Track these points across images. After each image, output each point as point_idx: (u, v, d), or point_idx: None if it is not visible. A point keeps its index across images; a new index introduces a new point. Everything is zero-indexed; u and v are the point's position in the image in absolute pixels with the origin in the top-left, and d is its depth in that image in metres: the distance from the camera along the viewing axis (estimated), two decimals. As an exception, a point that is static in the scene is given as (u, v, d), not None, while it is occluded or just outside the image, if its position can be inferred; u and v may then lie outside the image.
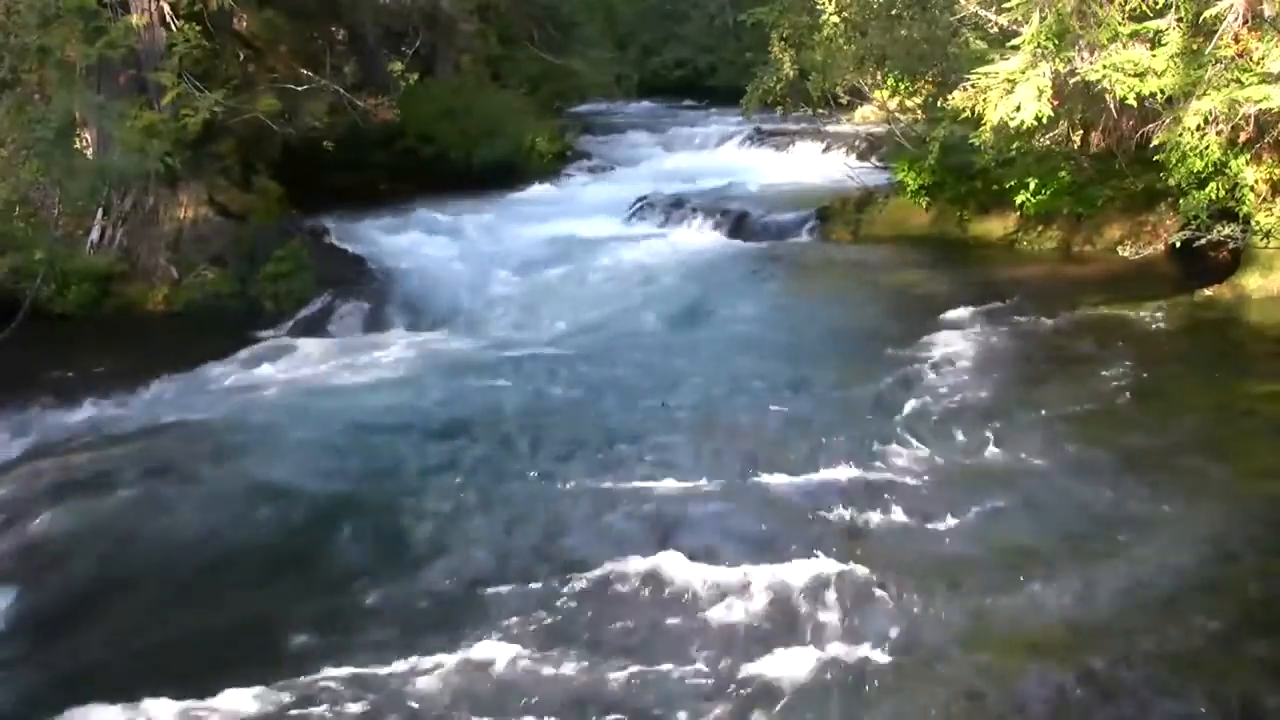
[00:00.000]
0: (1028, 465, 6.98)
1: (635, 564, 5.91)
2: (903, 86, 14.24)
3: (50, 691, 5.29)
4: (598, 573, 5.88)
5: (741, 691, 4.92)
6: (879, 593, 5.58)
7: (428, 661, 5.23)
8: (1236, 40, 8.48)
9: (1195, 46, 8.50)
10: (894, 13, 13.09)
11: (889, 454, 7.19)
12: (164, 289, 11.82)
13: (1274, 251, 9.82)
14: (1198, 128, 8.75)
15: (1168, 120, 8.82)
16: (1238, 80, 8.32)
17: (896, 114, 14.92)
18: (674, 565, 5.86)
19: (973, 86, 9.38)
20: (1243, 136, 9.13)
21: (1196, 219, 9.83)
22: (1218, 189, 9.47)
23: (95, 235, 11.88)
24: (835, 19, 13.49)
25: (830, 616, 5.42)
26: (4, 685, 5.41)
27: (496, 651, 5.27)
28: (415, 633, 5.50)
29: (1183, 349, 9.03)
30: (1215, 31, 8.32)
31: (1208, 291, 10.05)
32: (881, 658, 5.06)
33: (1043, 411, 7.78)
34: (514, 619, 5.54)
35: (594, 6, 27.72)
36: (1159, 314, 9.68)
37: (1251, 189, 9.47)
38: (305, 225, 13.54)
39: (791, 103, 15.47)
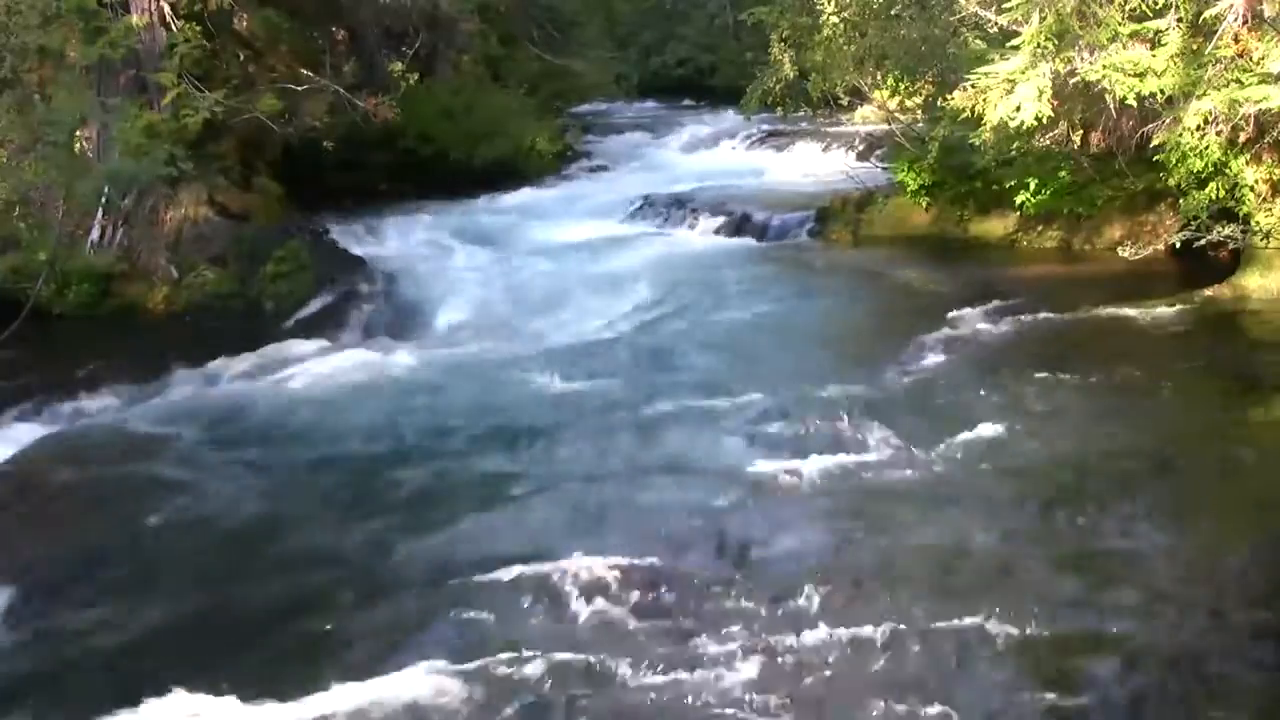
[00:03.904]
0: (1026, 464, 6.97)
1: (629, 561, 5.91)
2: (903, 86, 14.24)
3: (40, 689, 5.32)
4: (598, 569, 5.88)
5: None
6: (866, 591, 5.58)
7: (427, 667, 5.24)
8: (1236, 40, 8.48)
9: (1195, 46, 8.50)
10: (894, 13, 13.08)
11: (885, 453, 7.19)
12: (164, 289, 11.81)
13: (1274, 251, 9.82)
14: (1198, 128, 8.75)
15: (1168, 120, 8.81)
16: (1238, 80, 8.32)
17: (896, 114, 14.91)
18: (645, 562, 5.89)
19: (973, 86, 9.38)
20: (1243, 136, 9.14)
21: (1196, 219, 9.82)
22: (1218, 189, 9.46)
23: (95, 235, 11.87)
24: (835, 19, 13.48)
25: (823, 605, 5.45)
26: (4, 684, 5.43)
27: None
28: (409, 633, 5.51)
29: (1182, 349, 9.03)
30: (1215, 31, 8.32)
31: (1208, 291, 10.05)
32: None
33: (1041, 411, 7.78)
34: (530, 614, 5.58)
35: (594, 6, 27.68)
36: (1159, 314, 9.68)
37: (1251, 189, 9.47)
38: (305, 225, 13.54)
39: (791, 103, 15.45)
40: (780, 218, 14.81)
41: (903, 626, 5.23)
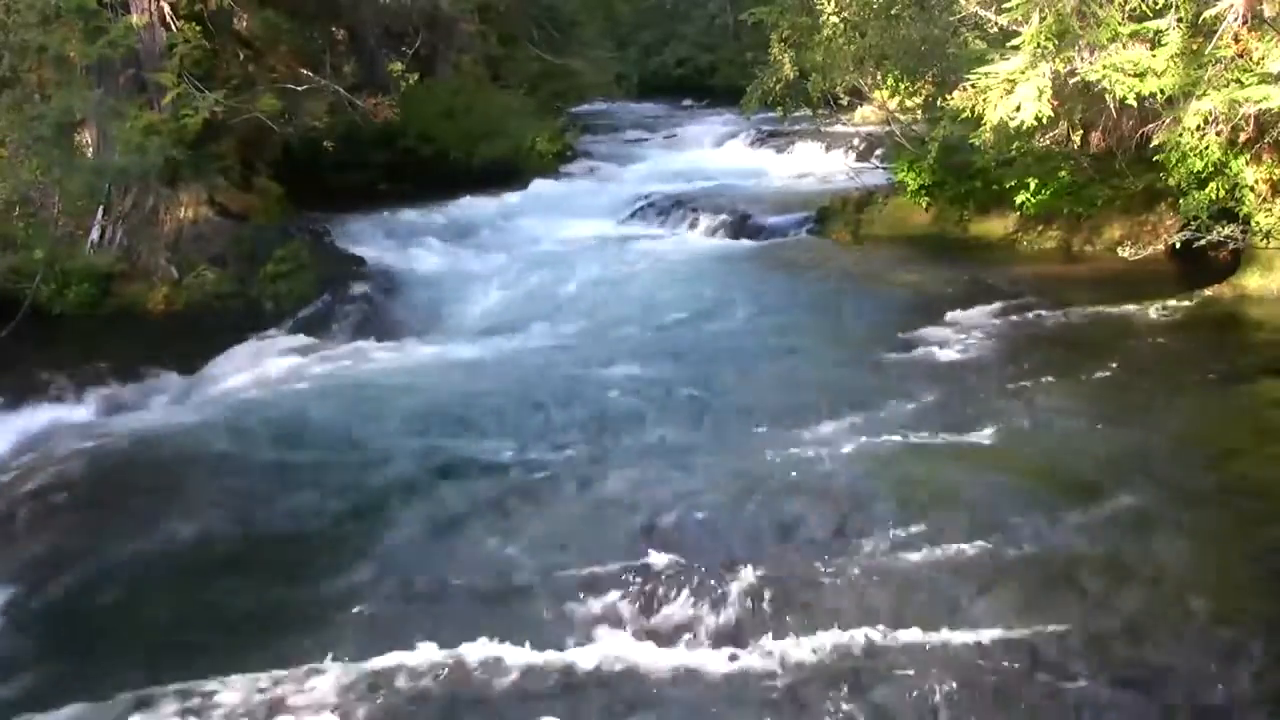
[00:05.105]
0: (1026, 465, 6.97)
1: (625, 564, 5.92)
2: (903, 86, 14.24)
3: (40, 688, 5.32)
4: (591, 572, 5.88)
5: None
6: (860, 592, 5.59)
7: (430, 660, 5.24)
8: (1236, 40, 8.47)
9: (1195, 46, 8.49)
10: (894, 13, 13.08)
11: (885, 455, 7.18)
12: (164, 289, 11.80)
13: (1274, 251, 9.82)
14: (1198, 128, 8.75)
15: (1168, 120, 8.81)
16: (1238, 80, 8.31)
17: (896, 114, 14.93)
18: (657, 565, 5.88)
19: (973, 86, 9.38)
20: (1243, 136, 9.13)
21: (1196, 219, 9.81)
22: (1218, 189, 9.45)
23: (95, 235, 11.86)
24: (835, 19, 13.48)
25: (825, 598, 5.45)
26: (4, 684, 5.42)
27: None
28: (407, 627, 5.50)
29: (1182, 349, 9.02)
30: (1215, 31, 8.31)
31: (1208, 291, 10.06)
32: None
33: (1041, 411, 7.77)
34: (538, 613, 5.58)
35: (594, 6, 27.72)
36: (1159, 314, 9.68)
37: (1251, 189, 9.46)
38: (305, 225, 13.55)
39: (791, 103, 15.46)
40: (781, 218, 14.83)
41: (918, 630, 5.24)
